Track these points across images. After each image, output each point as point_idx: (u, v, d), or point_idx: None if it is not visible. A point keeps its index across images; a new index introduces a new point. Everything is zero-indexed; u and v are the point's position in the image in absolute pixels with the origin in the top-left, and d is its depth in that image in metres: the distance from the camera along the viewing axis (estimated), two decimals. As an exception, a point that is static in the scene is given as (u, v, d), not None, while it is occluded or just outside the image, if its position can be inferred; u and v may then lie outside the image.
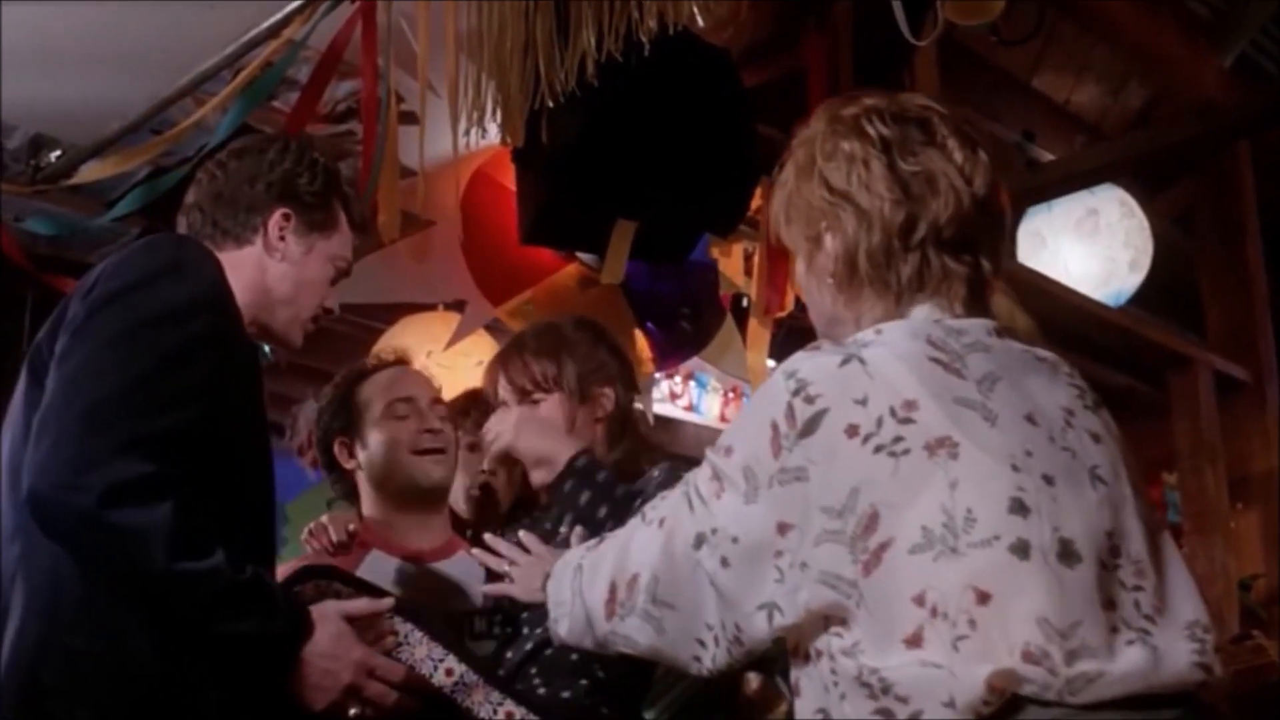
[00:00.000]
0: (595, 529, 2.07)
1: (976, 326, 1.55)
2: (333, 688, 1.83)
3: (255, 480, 1.96)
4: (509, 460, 2.34)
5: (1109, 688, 1.33)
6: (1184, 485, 4.99)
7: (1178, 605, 1.44)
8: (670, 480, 2.25)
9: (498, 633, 2.47)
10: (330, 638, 1.85)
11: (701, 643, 1.55)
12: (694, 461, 1.62)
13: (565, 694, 2.19)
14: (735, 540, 1.48)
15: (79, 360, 1.79)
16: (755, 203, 3.49)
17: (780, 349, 4.18)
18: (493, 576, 2.45)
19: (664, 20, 2.52)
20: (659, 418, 5.20)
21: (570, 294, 3.73)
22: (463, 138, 2.77)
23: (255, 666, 1.80)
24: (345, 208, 2.17)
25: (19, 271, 3.66)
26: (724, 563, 1.49)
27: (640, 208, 3.15)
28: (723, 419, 6.22)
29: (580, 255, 3.72)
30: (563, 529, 2.26)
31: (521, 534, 2.06)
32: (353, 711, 1.85)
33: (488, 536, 2.12)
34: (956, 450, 1.40)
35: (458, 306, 3.89)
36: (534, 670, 2.23)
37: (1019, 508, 1.37)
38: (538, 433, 2.28)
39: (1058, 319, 4.20)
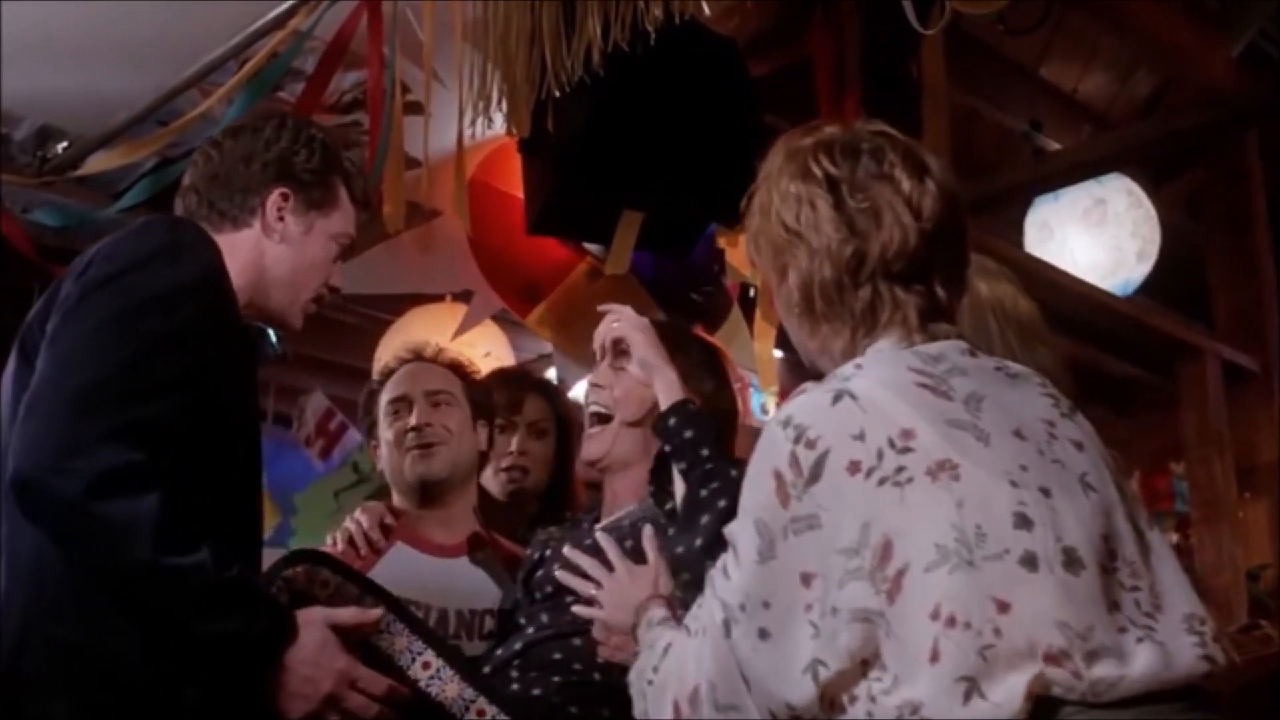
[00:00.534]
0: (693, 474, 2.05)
1: (949, 349, 1.59)
2: (312, 696, 1.79)
3: (243, 467, 1.94)
4: (617, 348, 2.24)
5: (1129, 688, 1.36)
6: (1192, 475, 4.98)
7: (1172, 600, 1.46)
8: (650, 510, 2.27)
9: (499, 631, 2.48)
10: (314, 644, 1.81)
11: None
12: None
13: (536, 690, 2.19)
14: (767, 605, 1.47)
15: (69, 343, 1.76)
16: (762, 192, 3.48)
17: (787, 339, 4.18)
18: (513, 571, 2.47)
19: (670, 9, 2.51)
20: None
21: (581, 286, 3.73)
22: (468, 128, 2.77)
23: (235, 667, 1.77)
24: (346, 183, 2.13)
25: (26, 263, 3.66)
26: (762, 635, 1.48)
27: (646, 197, 3.15)
28: (729, 409, 6.22)
29: (587, 245, 3.71)
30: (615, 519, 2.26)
31: (600, 537, 2.06)
32: None
33: (568, 550, 2.10)
34: (958, 471, 1.43)
35: (465, 297, 3.89)
36: (516, 664, 2.25)
37: (1022, 521, 1.41)
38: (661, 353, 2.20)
39: (1065, 309, 4.19)
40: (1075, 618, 1.36)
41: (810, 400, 1.53)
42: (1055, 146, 5.24)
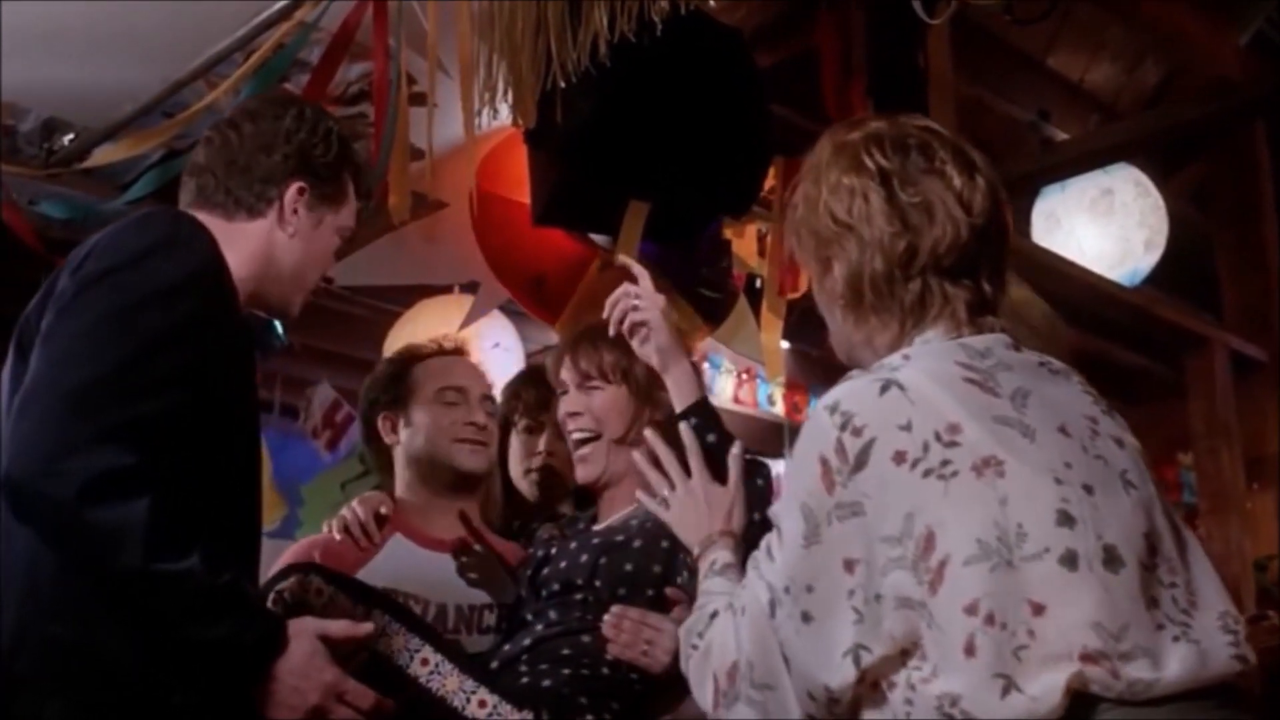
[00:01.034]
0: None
1: (995, 343, 1.61)
2: (299, 707, 1.77)
3: (243, 461, 1.93)
4: (635, 330, 2.22)
5: (1165, 688, 1.37)
6: (1199, 466, 4.97)
7: (1207, 598, 1.48)
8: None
9: (505, 628, 2.48)
10: (303, 655, 1.79)
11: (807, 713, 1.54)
12: None
13: (546, 682, 2.19)
14: (810, 589, 1.49)
15: (65, 340, 1.75)
16: (769, 183, 3.48)
17: (794, 330, 4.18)
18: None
19: (676, 0, 2.51)
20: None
21: (588, 277, 3.72)
22: (475, 118, 2.76)
23: (224, 674, 1.76)
24: (354, 177, 2.13)
25: (32, 255, 3.66)
26: (805, 618, 1.49)
27: (653, 188, 3.14)
28: (736, 400, 6.23)
29: (593, 236, 3.71)
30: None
31: (685, 432, 1.99)
32: None
33: (649, 433, 2.02)
34: (1003, 468, 1.44)
35: (472, 288, 3.89)
36: (525, 659, 2.24)
37: (1065, 519, 1.42)
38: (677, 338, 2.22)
39: (1073, 299, 4.19)
40: (1111, 618, 1.38)
41: (857, 388, 1.54)
42: (1062, 136, 5.24)
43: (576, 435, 2.40)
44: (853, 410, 1.50)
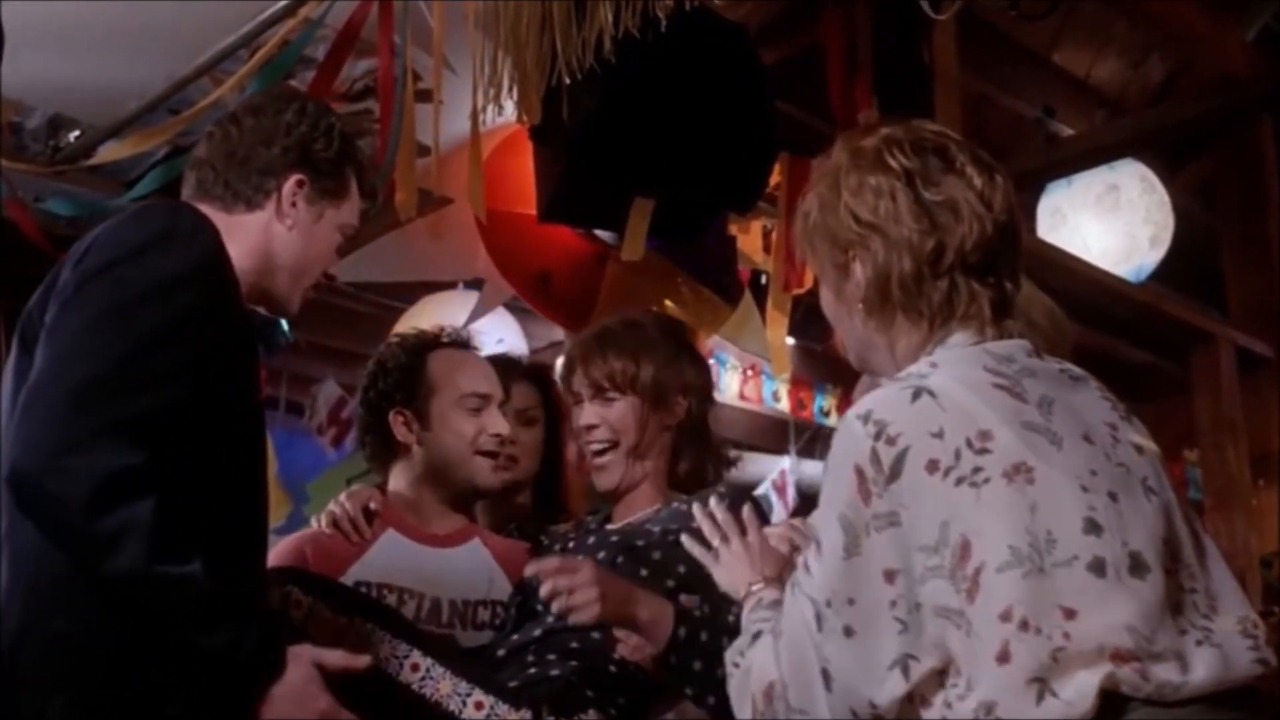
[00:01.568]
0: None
1: (1016, 349, 1.62)
2: None
3: (246, 455, 1.92)
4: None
5: (1192, 691, 1.39)
6: (1205, 462, 4.97)
7: (1227, 602, 1.50)
8: (674, 518, 2.27)
9: (499, 624, 2.47)
10: (298, 681, 1.78)
11: None
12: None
13: (554, 671, 2.19)
14: (851, 602, 1.49)
15: (66, 336, 1.74)
16: (774, 179, 3.47)
17: (799, 326, 4.18)
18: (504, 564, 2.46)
19: (681, -4, 2.51)
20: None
21: (592, 272, 3.72)
22: (480, 114, 2.76)
23: (221, 681, 1.74)
24: (358, 175, 2.12)
25: (38, 252, 3.67)
26: (847, 632, 1.49)
27: (658, 185, 3.14)
28: (741, 396, 6.23)
29: (599, 233, 3.71)
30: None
31: (715, 505, 1.99)
32: None
33: (699, 509, 2.02)
34: (1032, 475, 1.46)
35: (478, 285, 3.89)
36: (533, 649, 2.24)
37: (1092, 527, 1.44)
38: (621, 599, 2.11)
39: (1078, 295, 4.18)
40: (1141, 622, 1.40)
41: (889, 396, 1.55)
42: (1068, 132, 5.23)
43: (595, 446, 2.39)
44: (886, 419, 1.51)
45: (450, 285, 4.44)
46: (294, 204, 2.03)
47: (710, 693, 2.00)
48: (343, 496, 2.59)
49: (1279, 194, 5.19)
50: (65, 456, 1.65)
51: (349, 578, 2.46)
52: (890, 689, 1.47)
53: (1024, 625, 1.39)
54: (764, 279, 3.90)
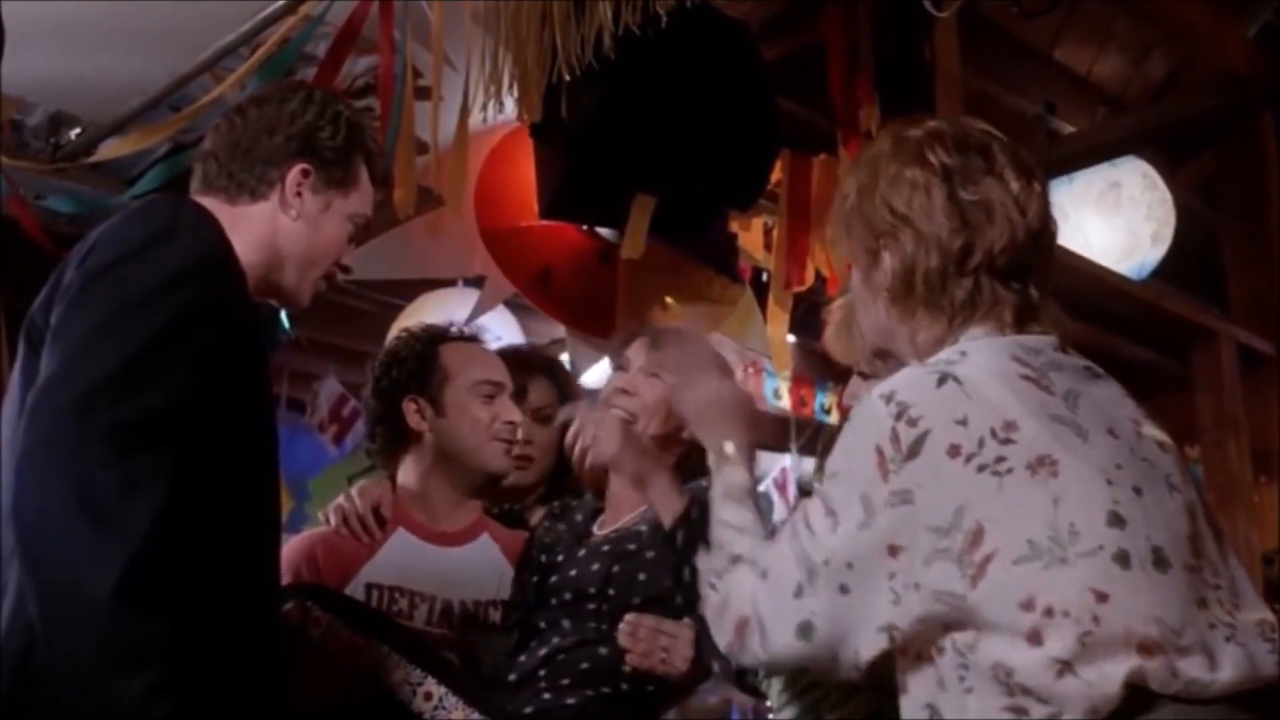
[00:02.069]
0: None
1: (1044, 344, 1.63)
2: None
3: (259, 451, 1.89)
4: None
5: (1221, 688, 1.40)
6: (1206, 459, 4.96)
7: (1247, 603, 1.51)
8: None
9: (511, 624, 2.47)
10: None
11: (819, 670, 1.58)
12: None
13: (570, 700, 2.19)
14: (850, 566, 1.51)
15: (73, 339, 1.71)
16: (775, 176, 3.47)
17: (800, 324, 4.17)
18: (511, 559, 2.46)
19: (682, -8, 2.51)
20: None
21: (593, 269, 3.72)
22: (479, 112, 2.76)
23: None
24: (367, 164, 2.08)
25: (40, 250, 3.67)
26: (842, 589, 1.51)
27: (659, 182, 3.14)
28: (742, 394, 6.21)
29: (600, 230, 3.71)
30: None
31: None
32: None
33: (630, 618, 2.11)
34: (1056, 468, 1.46)
35: (478, 283, 3.89)
36: (542, 675, 2.23)
37: (1116, 520, 1.45)
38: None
39: (1079, 293, 4.18)
40: (1168, 613, 1.41)
41: (914, 378, 1.56)
42: (1069, 129, 5.23)
43: (615, 412, 2.37)
44: (909, 401, 1.52)
45: (450, 283, 4.43)
46: (299, 194, 1.99)
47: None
48: (354, 491, 2.57)
49: (1281, 191, 5.18)
50: (66, 465, 1.60)
51: (360, 579, 2.46)
52: (877, 644, 1.50)
53: (1049, 612, 1.40)
54: (765, 276, 3.90)
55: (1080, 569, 1.41)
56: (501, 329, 4.33)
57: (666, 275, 3.57)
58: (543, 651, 2.25)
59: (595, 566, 2.29)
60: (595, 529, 2.43)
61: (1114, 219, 5.07)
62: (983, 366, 1.55)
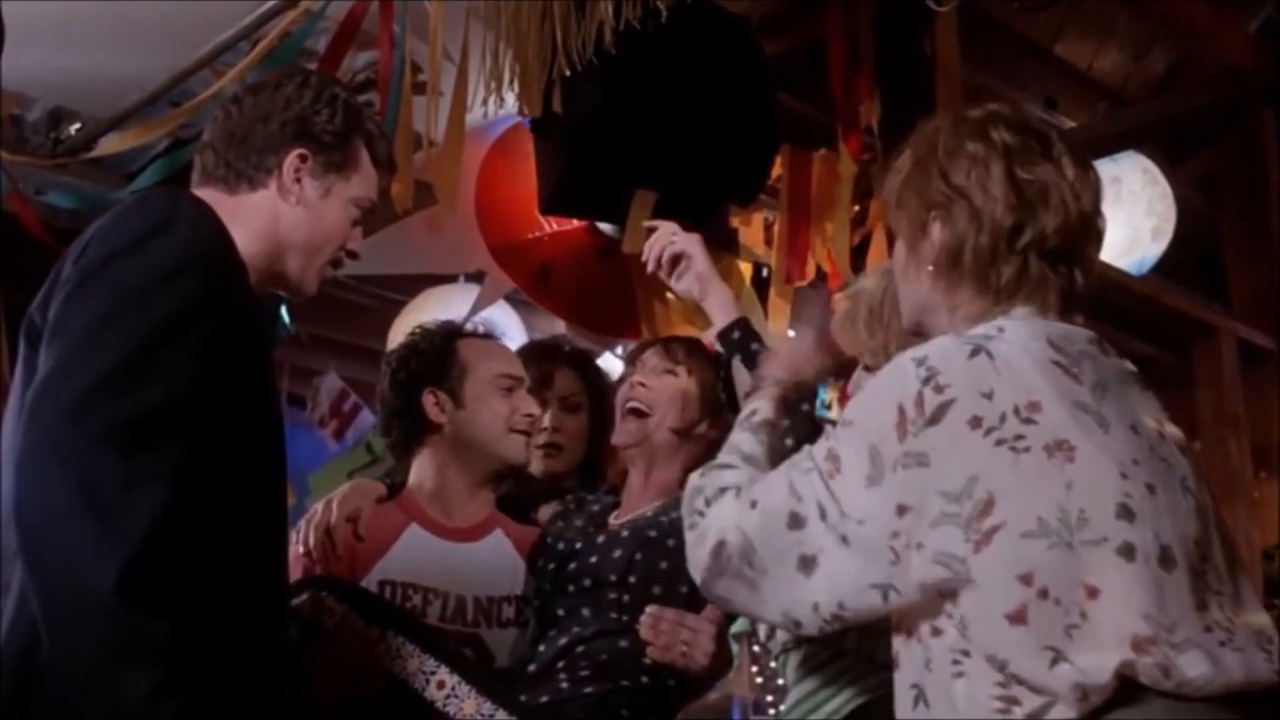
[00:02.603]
0: None
1: (1079, 334, 1.63)
2: None
3: (263, 444, 1.86)
4: (676, 262, 2.31)
5: (1214, 689, 1.40)
6: (1207, 455, 4.95)
7: (1248, 611, 1.52)
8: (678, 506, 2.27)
9: (524, 620, 2.47)
10: None
11: (794, 618, 1.58)
12: None
13: (589, 689, 2.18)
14: (861, 523, 1.52)
15: (71, 336, 1.70)
16: (775, 171, 3.47)
17: (799, 318, 4.17)
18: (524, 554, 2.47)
19: (682, -13, 2.51)
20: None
21: (593, 265, 3.72)
22: (480, 107, 2.76)
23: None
24: (368, 146, 2.04)
25: (40, 245, 3.67)
26: (844, 540, 1.52)
27: (660, 177, 3.14)
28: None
29: (600, 225, 3.71)
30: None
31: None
32: None
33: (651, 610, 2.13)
34: (1073, 454, 1.47)
35: (479, 278, 3.89)
36: (562, 665, 2.23)
37: (1125, 513, 1.46)
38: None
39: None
40: (1162, 612, 1.41)
41: (948, 347, 1.57)
42: (1070, 125, 5.21)
43: (632, 404, 2.42)
44: (939, 367, 1.53)
45: (451, 278, 4.43)
46: (298, 180, 1.96)
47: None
48: (335, 499, 2.54)
49: (1281, 187, 5.18)
50: (65, 464, 1.59)
51: (374, 576, 2.46)
52: (865, 604, 1.51)
53: (1043, 593, 1.41)
54: (766, 271, 3.90)
55: (1081, 558, 1.42)
56: (503, 324, 4.33)
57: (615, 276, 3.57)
58: (562, 641, 2.25)
59: (618, 553, 2.29)
60: (612, 519, 2.43)
61: (1114, 214, 5.03)
62: (1016, 345, 1.56)
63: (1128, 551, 1.43)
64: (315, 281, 2.01)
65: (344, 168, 2.00)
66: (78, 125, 3.77)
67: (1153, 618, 1.40)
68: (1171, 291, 5.06)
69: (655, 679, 2.19)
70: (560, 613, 2.29)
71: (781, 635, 1.89)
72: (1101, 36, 5.13)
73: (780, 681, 1.88)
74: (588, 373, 2.97)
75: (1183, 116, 4.94)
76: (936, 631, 1.50)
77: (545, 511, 2.68)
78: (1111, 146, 4.95)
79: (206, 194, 1.95)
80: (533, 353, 2.89)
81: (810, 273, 3.72)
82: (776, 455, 1.77)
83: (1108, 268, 4.78)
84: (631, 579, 2.25)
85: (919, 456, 1.50)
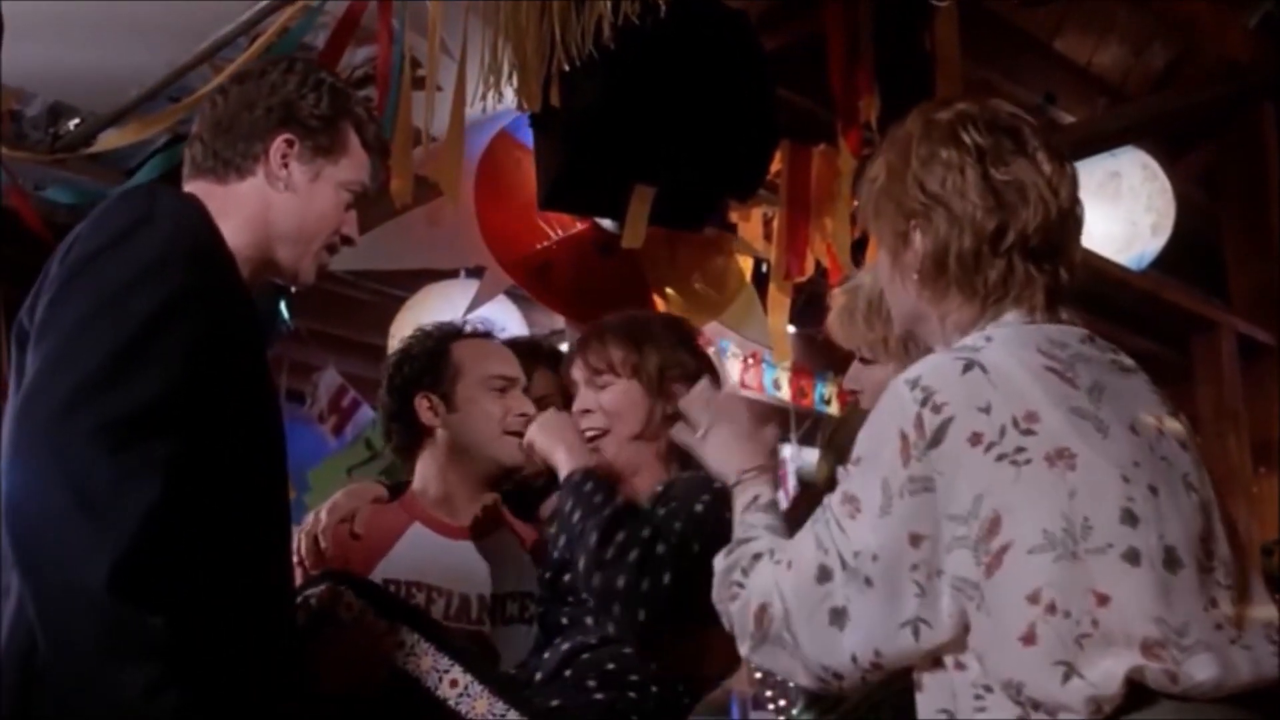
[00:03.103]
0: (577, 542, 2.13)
1: (1070, 335, 1.63)
2: None
3: (260, 437, 1.85)
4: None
5: (1223, 690, 1.40)
6: (1206, 450, 4.92)
7: (1256, 605, 1.52)
8: (666, 496, 2.26)
9: (529, 617, 2.46)
10: None
11: (834, 671, 1.56)
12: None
13: (599, 696, 2.17)
14: (875, 558, 1.51)
15: (57, 336, 1.68)
16: (774, 167, 3.47)
17: (800, 315, 4.17)
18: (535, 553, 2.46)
19: (682, -18, 2.50)
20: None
21: (593, 260, 3.72)
22: (479, 102, 2.76)
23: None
24: (357, 129, 2.02)
25: (39, 240, 3.66)
26: (868, 583, 1.51)
27: (659, 172, 3.14)
28: (742, 384, 6.22)
29: (600, 220, 3.71)
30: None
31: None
32: None
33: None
34: (1074, 461, 1.47)
35: (480, 274, 3.89)
36: (569, 674, 2.21)
37: (1129, 518, 1.45)
38: (555, 432, 2.30)
39: (1079, 283, 4.17)
40: (1171, 614, 1.41)
41: (940, 364, 1.56)
42: (1069, 120, 5.22)
43: (587, 433, 2.36)
44: (934, 386, 1.52)
45: (452, 274, 4.43)
46: (285, 165, 1.94)
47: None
48: (326, 508, 2.54)
49: (1281, 181, 5.18)
50: (58, 464, 1.58)
51: (376, 575, 2.45)
52: (900, 647, 1.50)
53: (1051, 608, 1.41)
54: (765, 267, 3.90)
55: (1087, 567, 1.42)
56: (504, 320, 4.33)
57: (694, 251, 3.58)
58: (566, 647, 2.23)
59: None
60: None
61: (1114, 209, 5.06)
62: (1008, 354, 1.55)
63: (1133, 556, 1.42)
64: (312, 268, 1.99)
65: (332, 151, 1.98)
66: (77, 120, 3.77)
67: (1162, 621, 1.40)
68: (1171, 287, 5.07)
69: (664, 687, 2.18)
70: (564, 621, 2.27)
71: None
72: (1101, 31, 5.13)
73: (780, 677, 1.88)
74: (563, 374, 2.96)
75: (1182, 112, 4.94)
76: (960, 666, 1.49)
77: (548, 508, 2.67)
78: (1111, 142, 4.95)
79: (197, 187, 1.94)
80: (532, 354, 2.88)
81: (809, 268, 3.72)
82: (790, 528, 1.75)
83: (1107, 263, 4.79)
84: None
85: (924, 481, 1.49)
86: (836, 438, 2.40)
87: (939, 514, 1.48)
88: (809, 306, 4.16)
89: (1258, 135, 5.19)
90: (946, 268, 1.64)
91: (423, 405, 2.57)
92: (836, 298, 2.28)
